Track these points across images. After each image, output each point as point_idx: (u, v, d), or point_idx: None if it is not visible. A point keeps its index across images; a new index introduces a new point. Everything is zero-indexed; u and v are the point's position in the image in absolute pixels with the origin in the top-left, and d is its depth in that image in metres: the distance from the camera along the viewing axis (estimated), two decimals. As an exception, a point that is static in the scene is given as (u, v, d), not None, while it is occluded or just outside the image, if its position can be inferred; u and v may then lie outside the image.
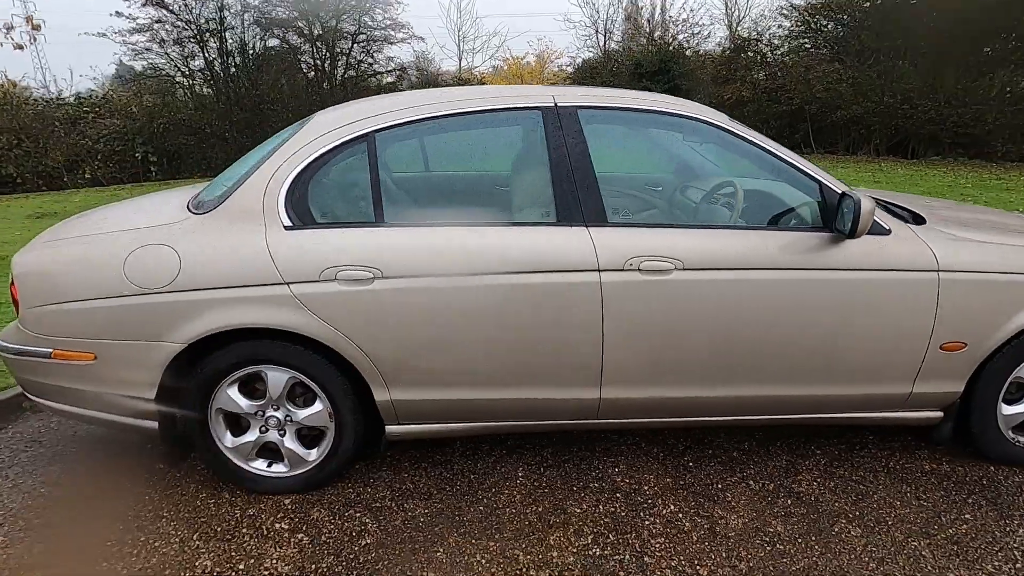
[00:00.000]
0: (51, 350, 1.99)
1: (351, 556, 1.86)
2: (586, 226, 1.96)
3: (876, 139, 13.27)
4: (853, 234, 1.84)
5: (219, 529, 1.99)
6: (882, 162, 12.21)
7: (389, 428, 2.11)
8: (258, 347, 1.98)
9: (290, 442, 2.10)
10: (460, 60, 18.47)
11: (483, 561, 1.83)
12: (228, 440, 2.10)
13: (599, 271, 1.93)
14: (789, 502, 2.07)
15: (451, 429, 2.13)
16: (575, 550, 1.86)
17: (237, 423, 2.12)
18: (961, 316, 2.01)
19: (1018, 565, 1.78)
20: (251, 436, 2.09)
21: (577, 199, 1.97)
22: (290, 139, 2.04)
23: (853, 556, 1.82)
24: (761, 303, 1.97)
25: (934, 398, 2.14)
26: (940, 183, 9.00)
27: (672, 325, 1.97)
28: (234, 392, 2.04)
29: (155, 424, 2.07)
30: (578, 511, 2.04)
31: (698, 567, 1.79)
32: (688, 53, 16.20)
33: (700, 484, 2.17)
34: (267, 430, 2.09)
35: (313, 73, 14.50)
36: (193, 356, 1.98)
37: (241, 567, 1.83)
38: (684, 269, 1.94)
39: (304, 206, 1.97)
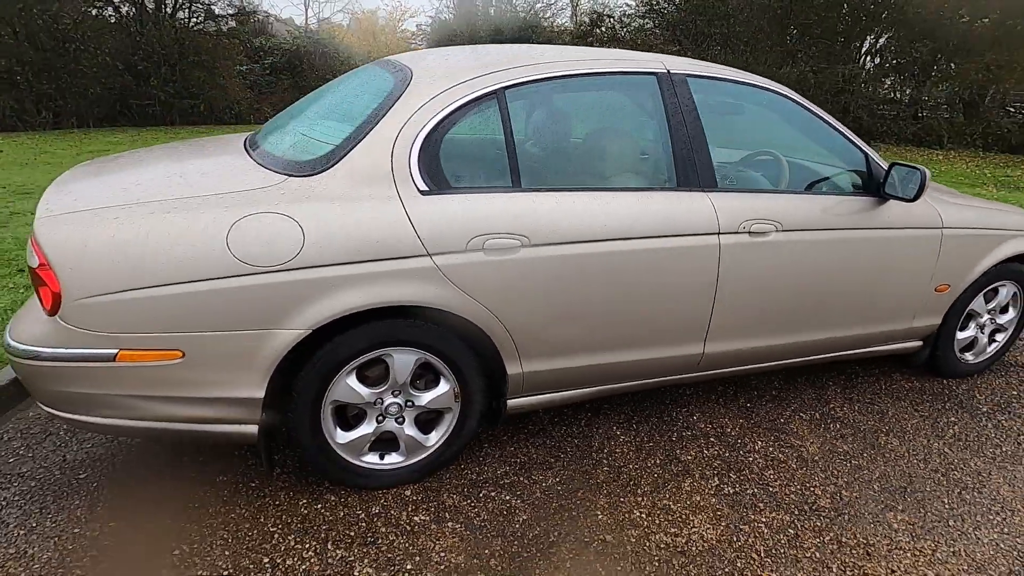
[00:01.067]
0: (116, 351, 1.57)
1: (517, 534, 1.80)
2: (704, 191, 2.07)
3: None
4: (915, 199, 2.20)
5: (352, 533, 1.78)
6: None
7: (511, 402, 2.04)
8: (393, 327, 1.76)
9: (410, 429, 1.93)
10: (307, 9, 16.76)
11: (643, 515, 1.90)
12: (339, 436, 1.85)
13: (719, 234, 2.06)
14: (837, 426, 2.46)
15: (565, 397, 2.13)
16: (711, 492, 2.03)
17: (344, 416, 1.88)
18: (950, 264, 2.54)
19: (1004, 446, 2.36)
20: (367, 428, 1.88)
21: (694, 165, 2.06)
22: (405, 92, 1.80)
23: (904, 460, 2.25)
24: (830, 259, 2.27)
25: (922, 331, 2.67)
26: None
27: (766, 282, 2.19)
28: (353, 381, 1.80)
29: (253, 429, 1.75)
30: (689, 458, 2.20)
31: (812, 489, 2.07)
32: (544, 24, 16.68)
33: (767, 421, 2.47)
34: (384, 419, 1.89)
35: (130, 8, 12.08)
36: (305, 344, 1.70)
37: (409, 566, 1.67)
38: (781, 231, 2.16)
39: (437, 168, 1.77)
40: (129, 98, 11.70)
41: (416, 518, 1.85)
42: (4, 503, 1.84)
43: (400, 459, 1.96)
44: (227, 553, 1.69)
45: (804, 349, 2.44)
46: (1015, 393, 2.78)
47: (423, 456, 1.97)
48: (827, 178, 2.43)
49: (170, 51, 11.88)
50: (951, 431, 2.46)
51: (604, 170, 2.04)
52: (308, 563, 1.67)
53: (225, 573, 1.63)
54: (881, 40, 15.46)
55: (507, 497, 1.95)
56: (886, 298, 2.46)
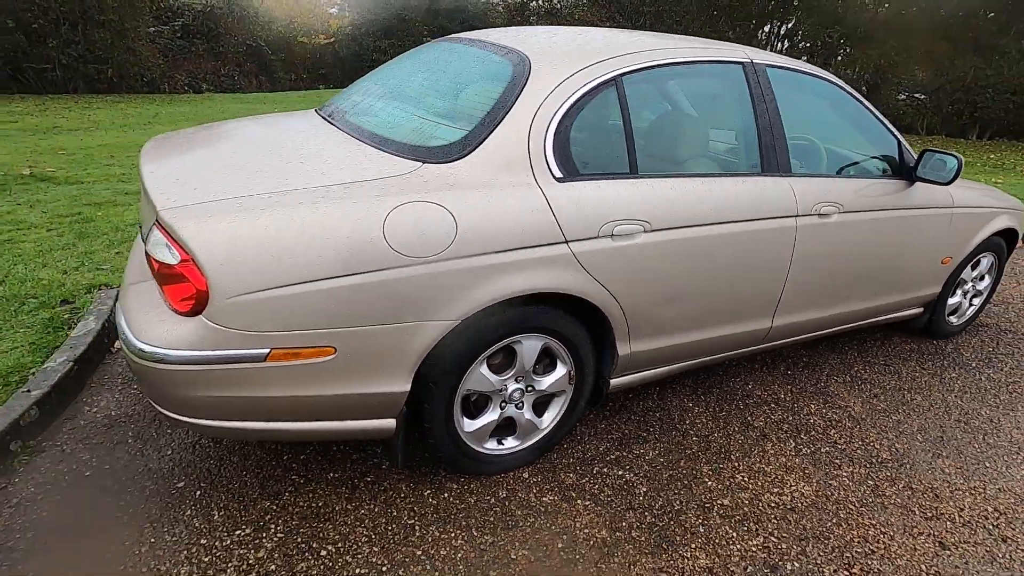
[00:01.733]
0: (267, 350, 1.47)
1: (644, 505, 1.90)
2: (783, 176, 2.20)
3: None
4: (950, 183, 2.46)
5: (491, 519, 1.80)
6: None
7: (612, 381, 2.11)
8: (527, 314, 1.77)
9: (528, 413, 1.96)
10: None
11: (745, 478, 2.06)
12: (466, 425, 1.85)
13: (797, 216, 2.21)
14: (868, 387, 2.74)
15: (656, 375, 2.23)
16: (792, 453, 2.22)
17: (466, 405, 1.88)
18: (954, 239, 2.87)
19: (1000, 396, 2.74)
20: (492, 415, 1.89)
21: (775, 151, 2.19)
22: (531, 77, 1.78)
23: (932, 413, 2.56)
24: (874, 236, 2.50)
25: (926, 298, 3.01)
26: None
27: (826, 260, 2.38)
28: (485, 369, 1.80)
29: (392, 423, 1.71)
30: (761, 424, 2.38)
31: (872, 444, 2.32)
32: (478, -5, 16.37)
33: (810, 386, 2.70)
34: (507, 405, 1.90)
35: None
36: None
37: (560, 545, 1.72)
38: (842, 212, 2.35)
39: (568, 155, 1.78)
40: (23, 61, 10.32)
41: (545, 499, 1.90)
42: (106, 521, 1.69)
43: (516, 443, 1.98)
44: (375, 549, 1.66)
45: (845, 318, 2.69)
46: (991, 349, 3.21)
47: (537, 439, 2.01)
48: (857, 162, 2.65)
49: (71, 7, 10.55)
50: (956, 385, 2.81)
51: (705, 156, 2.12)
52: (462, 551, 1.68)
53: (384, 568, 1.60)
54: (788, 24, 16.58)
55: (619, 472, 2.04)
56: (909, 270, 2.75)
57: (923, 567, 1.76)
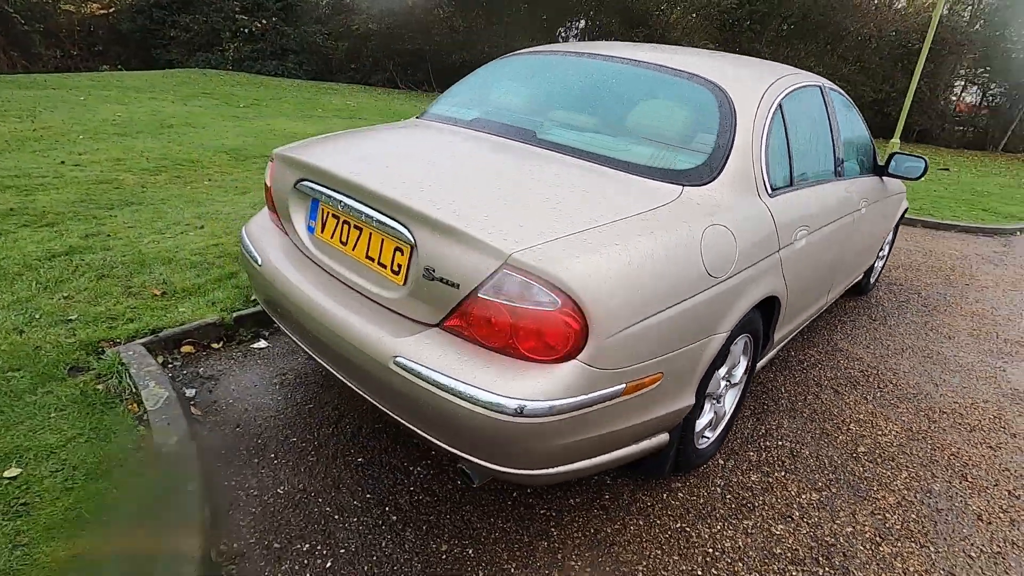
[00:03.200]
0: (623, 385, 1.46)
1: (820, 463, 2.24)
2: (843, 179, 2.69)
3: (482, 83, 15.96)
4: (918, 179, 3.20)
5: (734, 506, 1.98)
6: None
7: (757, 364, 2.41)
8: (752, 318, 1.96)
9: (726, 405, 2.16)
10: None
11: (863, 417, 2.52)
12: (697, 424, 1.99)
13: (854, 212, 2.73)
14: (852, 342, 3.46)
15: (771, 356, 2.59)
16: (875, 400, 2.76)
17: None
18: (891, 219, 3.72)
19: (923, 333, 3.66)
20: (709, 412, 2.05)
21: (840, 159, 2.66)
22: (736, 104, 1.94)
23: (904, 353, 3.35)
24: (872, 222, 3.17)
25: (871, 268, 3.86)
26: None
27: (857, 242, 2.97)
28: (718, 371, 1.96)
29: (666, 437, 1.79)
30: (828, 382, 2.90)
31: (897, 383, 2.97)
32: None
33: (827, 345, 3.32)
34: (716, 400, 2.08)
35: None
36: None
37: (797, 514, 1.98)
38: (867, 205, 2.94)
39: (770, 172, 1.99)
40: None
41: (752, 478, 2.13)
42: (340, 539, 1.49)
43: (711, 434, 2.17)
44: (676, 558, 1.74)
45: (844, 287, 3.35)
46: (899, 301, 4.23)
47: (723, 426, 2.22)
48: (862, 162, 3.29)
49: None
50: (899, 330, 3.69)
51: (821, 164, 2.49)
52: (739, 539, 1.84)
53: (699, 573, 1.70)
54: (581, 24, 18.40)
55: (782, 443, 2.36)
56: (876, 244, 3.52)
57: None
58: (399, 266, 1.59)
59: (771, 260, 1.93)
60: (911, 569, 1.80)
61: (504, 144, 1.99)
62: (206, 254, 3.38)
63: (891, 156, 3.28)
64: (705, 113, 1.94)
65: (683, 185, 1.76)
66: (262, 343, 2.66)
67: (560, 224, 1.47)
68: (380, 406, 1.63)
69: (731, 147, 1.86)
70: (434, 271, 1.47)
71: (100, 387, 2.14)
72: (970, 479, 2.29)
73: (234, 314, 2.70)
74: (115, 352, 2.30)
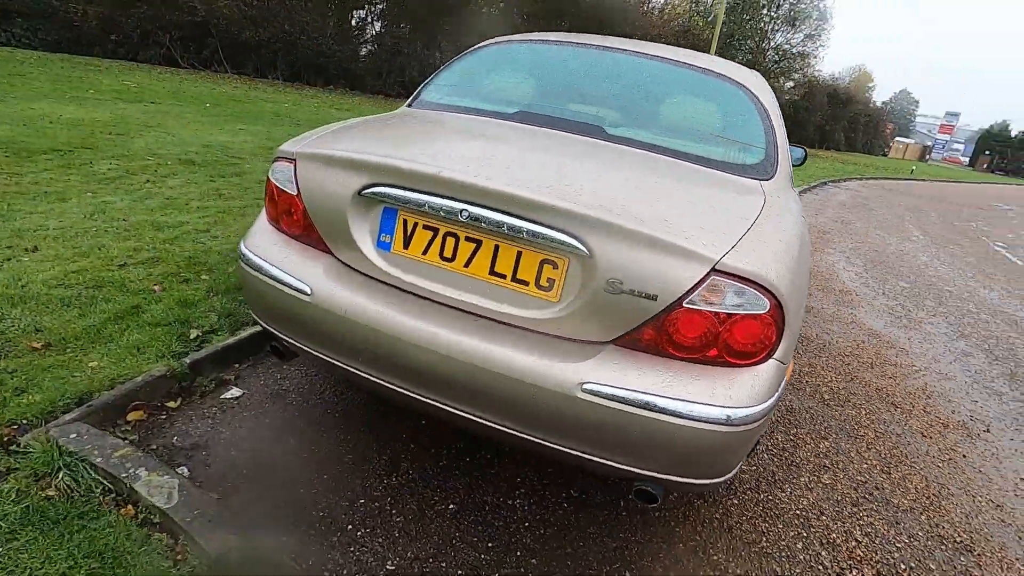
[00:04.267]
0: (786, 376, 1.51)
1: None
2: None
3: (281, 65, 14.41)
4: (800, 165, 3.78)
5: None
6: (286, 88, 13.54)
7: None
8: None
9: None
10: None
11: (831, 377, 2.96)
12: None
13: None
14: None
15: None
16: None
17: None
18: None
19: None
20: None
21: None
22: (765, 107, 2.08)
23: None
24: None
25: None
26: (318, 107, 11.28)
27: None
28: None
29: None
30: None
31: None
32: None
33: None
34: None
35: None
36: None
37: (850, 503, 2.27)
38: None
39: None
40: None
41: (803, 479, 2.37)
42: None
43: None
44: (779, 525, 1.86)
45: None
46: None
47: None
48: None
49: None
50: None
51: None
52: (810, 496, 2.04)
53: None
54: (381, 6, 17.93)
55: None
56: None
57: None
58: (550, 281, 1.39)
59: (803, 245, 2.15)
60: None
61: (586, 141, 1.85)
62: (72, 284, 2.53)
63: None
64: (748, 114, 2.06)
65: (759, 180, 1.85)
66: (235, 391, 2.10)
67: (721, 223, 1.43)
68: (528, 437, 1.42)
69: (776, 144, 2.01)
70: (622, 283, 1.32)
71: (50, 492, 1.49)
72: (898, 406, 2.86)
73: (187, 359, 2.08)
74: (45, 440, 1.61)
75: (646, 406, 1.28)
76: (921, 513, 2.06)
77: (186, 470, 1.70)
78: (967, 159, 64.58)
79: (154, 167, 4.82)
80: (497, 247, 1.42)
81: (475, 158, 1.56)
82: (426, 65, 16.54)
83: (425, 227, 1.49)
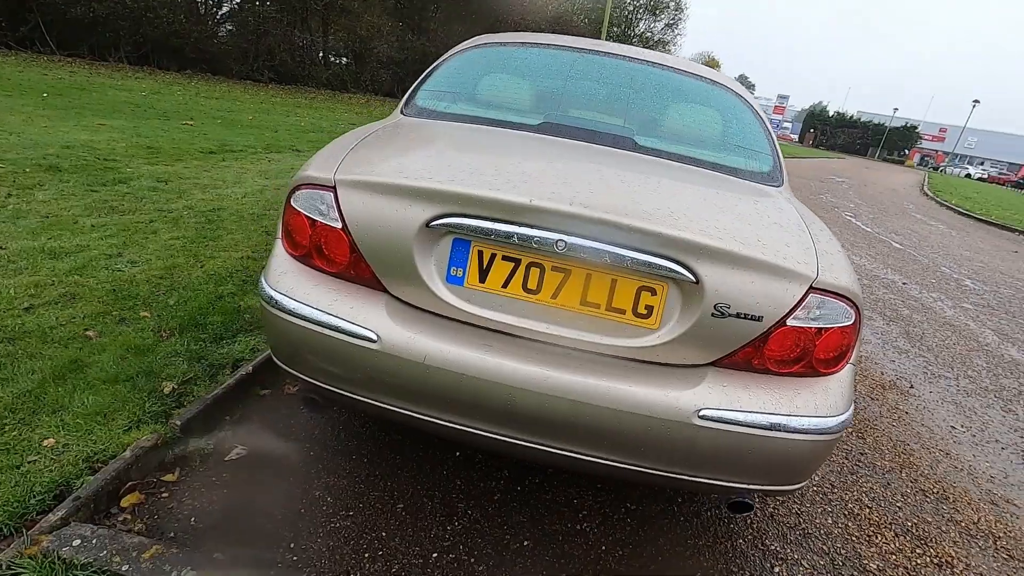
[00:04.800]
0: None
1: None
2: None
3: (125, 46, 12.57)
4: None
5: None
6: (135, 73, 11.89)
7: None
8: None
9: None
10: None
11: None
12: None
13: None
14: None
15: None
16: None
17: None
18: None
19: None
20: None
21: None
22: (759, 114, 2.17)
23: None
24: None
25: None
26: (184, 96, 10.34)
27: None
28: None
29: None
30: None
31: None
32: None
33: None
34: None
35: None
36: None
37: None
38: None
39: (781, 169, 2.32)
40: None
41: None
42: None
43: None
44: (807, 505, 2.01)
45: None
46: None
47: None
48: None
49: None
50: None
51: None
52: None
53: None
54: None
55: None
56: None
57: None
58: (648, 308, 1.36)
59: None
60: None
61: (627, 155, 1.80)
62: (-23, 340, 2.05)
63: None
64: (749, 123, 2.14)
65: (775, 187, 1.94)
66: (239, 449, 1.82)
67: (791, 237, 1.48)
68: (635, 468, 1.39)
69: (778, 154, 2.12)
70: (728, 307, 1.32)
71: (73, 622, 1.19)
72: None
73: (177, 421, 1.76)
74: (39, 556, 1.28)
75: (765, 427, 1.30)
76: (901, 471, 2.34)
77: (221, 555, 1.45)
78: (796, 136, 73.83)
79: (10, 176, 4.01)
80: (589, 276, 1.36)
81: (546, 179, 1.46)
82: (297, 48, 15.42)
83: (505, 258, 1.38)
